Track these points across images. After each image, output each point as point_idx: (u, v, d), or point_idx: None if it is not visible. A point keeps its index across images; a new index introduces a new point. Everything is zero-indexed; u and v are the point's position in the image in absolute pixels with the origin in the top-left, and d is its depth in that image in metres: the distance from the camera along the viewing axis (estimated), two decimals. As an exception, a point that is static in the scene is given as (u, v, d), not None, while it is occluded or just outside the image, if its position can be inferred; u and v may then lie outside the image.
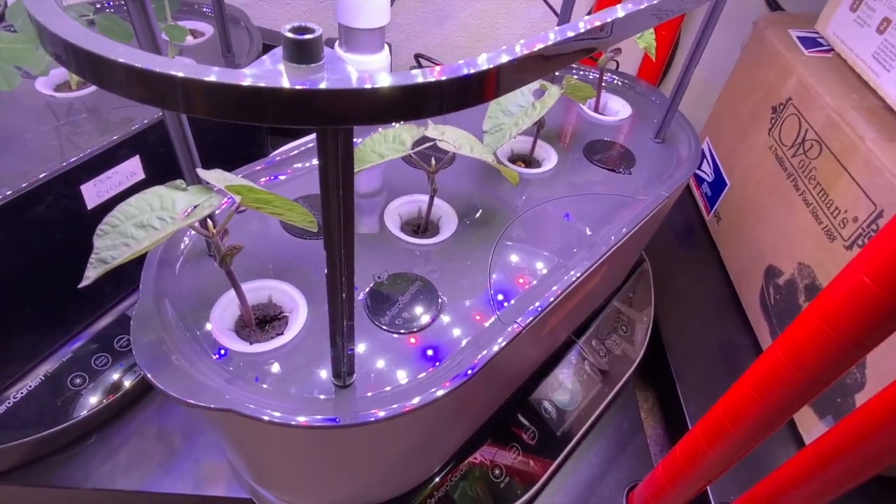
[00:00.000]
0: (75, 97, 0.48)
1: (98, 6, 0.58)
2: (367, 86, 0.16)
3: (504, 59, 0.18)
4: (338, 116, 0.16)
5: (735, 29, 0.72)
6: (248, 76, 0.15)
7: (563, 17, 0.55)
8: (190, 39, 0.58)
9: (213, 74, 0.15)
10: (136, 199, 0.27)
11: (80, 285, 0.25)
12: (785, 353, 0.28)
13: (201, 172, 0.28)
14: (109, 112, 0.47)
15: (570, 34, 0.21)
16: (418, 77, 0.16)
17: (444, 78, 0.17)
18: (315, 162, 0.45)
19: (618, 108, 0.57)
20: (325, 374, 0.31)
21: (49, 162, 0.41)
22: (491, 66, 0.18)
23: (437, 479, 0.43)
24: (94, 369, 0.47)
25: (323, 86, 0.16)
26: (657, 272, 0.64)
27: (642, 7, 0.25)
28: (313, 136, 0.48)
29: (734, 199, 0.69)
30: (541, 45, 0.20)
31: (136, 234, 0.26)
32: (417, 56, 0.54)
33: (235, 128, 0.57)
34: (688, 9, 0.33)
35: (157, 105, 0.17)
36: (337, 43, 0.45)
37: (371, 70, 0.45)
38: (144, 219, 0.26)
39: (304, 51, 0.16)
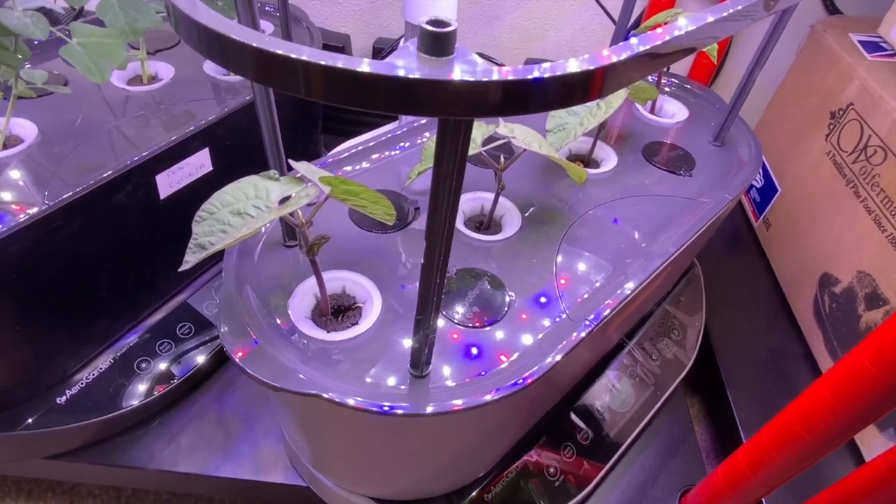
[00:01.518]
0: (147, 91, 0.50)
1: None
2: (498, 78, 0.16)
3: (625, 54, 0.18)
4: (466, 107, 0.17)
5: (790, 32, 0.70)
6: (386, 66, 0.16)
7: (622, 21, 0.55)
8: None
9: (356, 64, 0.16)
10: (231, 187, 0.28)
11: (181, 269, 0.26)
12: (870, 358, 0.28)
13: (294, 164, 0.29)
14: (179, 106, 0.48)
15: (678, 33, 0.21)
16: (553, 70, 0.17)
17: (574, 70, 0.17)
18: (365, 164, 0.46)
19: (674, 111, 0.56)
20: (399, 364, 0.31)
21: (126, 153, 0.43)
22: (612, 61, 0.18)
23: (492, 476, 0.43)
24: (158, 354, 0.49)
25: (453, 77, 0.16)
26: (706, 277, 0.64)
27: (737, 9, 0.25)
28: (365, 136, 0.49)
29: (786, 205, 0.68)
30: (652, 45, 0.20)
31: (233, 222, 0.27)
32: (478, 55, 0.54)
33: (293, 124, 0.58)
34: (757, 19, 0.33)
35: (300, 93, 0.17)
36: (403, 40, 0.46)
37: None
38: (240, 206, 0.27)
39: (439, 43, 0.16)
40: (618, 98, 0.42)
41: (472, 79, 0.16)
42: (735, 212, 0.78)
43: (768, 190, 0.72)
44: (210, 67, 0.54)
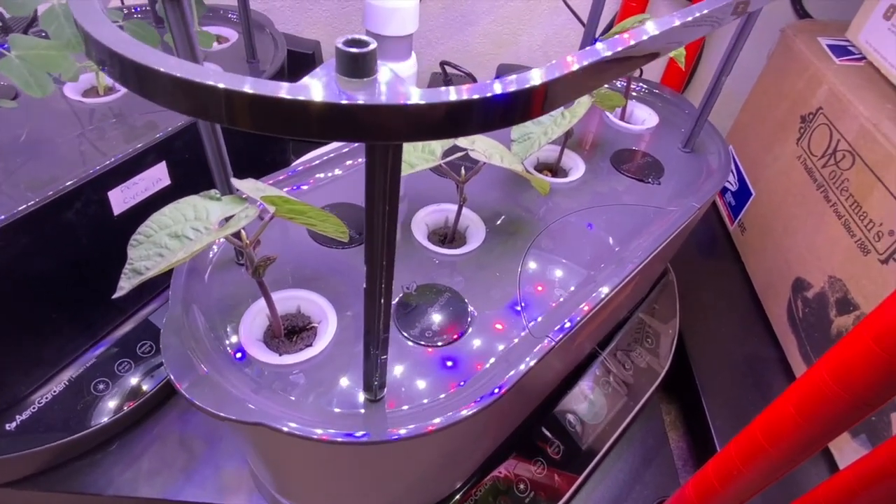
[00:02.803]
0: (103, 103, 0.49)
1: (126, 12, 0.58)
2: (420, 102, 0.15)
3: (557, 73, 0.18)
4: (389, 133, 0.16)
5: (761, 36, 0.70)
6: (299, 89, 0.15)
7: (590, 26, 0.54)
8: (215, 45, 0.58)
9: (263, 88, 0.15)
10: (169, 208, 0.27)
11: (114, 296, 0.25)
12: (831, 374, 0.27)
13: (236, 182, 0.27)
14: (136, 118, 0.47)
15: (620, 48, 0.20)
16: (476, 91, 0.16)
17: (491, 94, 0.16)
18: (338, 172, 0.45)
19: (644, 117, 0.56)
20: (354, 387, 0.30)
21: (77, 168, 0.41)
22: (546, 80, 0.17)
23: (461, 494, 0.42)
24: (117, 375, 0.47)
25: (375, 101, 0.15)
26: (680, 282, 0.63)
27: (692, 17, 0.25)
28: (335, 145, 0.48)
29: (760, 209, 0.68)
30: (590, 60, 0.19)
31: (170, 245, 0.25)
32: (443, 63, 0.54)
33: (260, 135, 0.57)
34: (723, 24, 0.32)
35: (201, 117, 0.16)
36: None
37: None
38: (178, 229, 0.26)
39: (357, 65, 0.16)
40: (582, 107, 0.41)
41: (393, 102, 0.15)
42: (711, 216, 0.78)
43: (743, 194, 0.72)
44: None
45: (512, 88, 0.17)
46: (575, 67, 0.18)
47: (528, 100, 0.18)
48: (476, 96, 0.16)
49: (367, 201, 0.19)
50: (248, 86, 0.15)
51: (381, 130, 0.16)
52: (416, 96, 0.15)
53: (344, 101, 0.15)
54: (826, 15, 0.74)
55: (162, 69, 0.15)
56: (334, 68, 0.16)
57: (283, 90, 0.15)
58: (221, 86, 0.15)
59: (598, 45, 0.20)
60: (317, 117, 0.15)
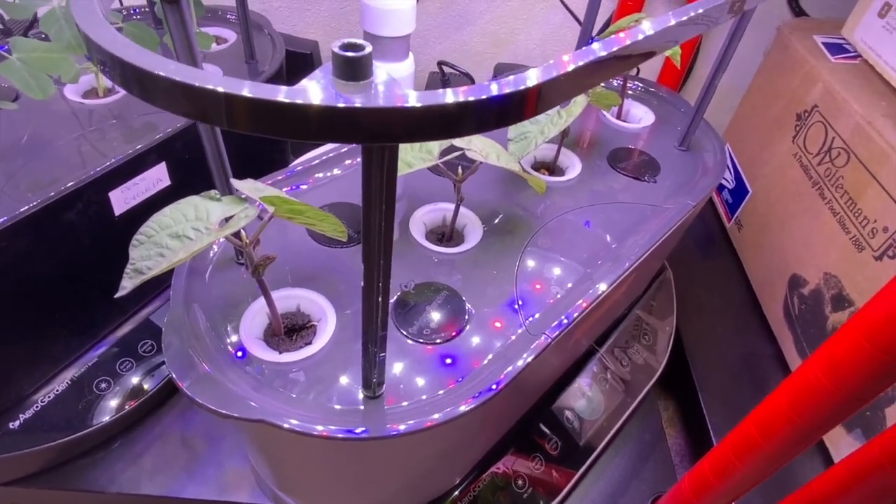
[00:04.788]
0: (103, 104, 0.49)
1: (125, 13, 0.59)
2: (418, 103, 0.16)
3: (553, 74, 0.18)
4: (385, 134, 0.16)
5: (758, 34, 0.71)
6: (297, 93, 0.15)
7: (587, 24, 0.55)
8: (214, 46, 0.58)
9: (261, 91, 0.15)
10: (170, 209, 0.27)
11: (116, 295, 0.25)
12: (823, 370, 0.28)
13: (235, 182, 0.28)
14: (135, 119, 0.47)
15: (616, 48, 0.21)
16: (470, 93, 0.16)
17: (486, 96, 0.16)
18: (336, 171, 0.45)
19: (640, 115, 0.56)
20: (353, 384, 0.31)
21: (79, 169, 0.41)
22: (539, 82, 0.17)
23: (460, 490, 0.43)
24: (119, 374, 0.48)
25: (372, 104, 0.15)
26: (677, 279, 0.64)
27: (686, 17, 0.25)
28: (333, 145, 0.48)
29: (756, 206, 0.68)
30: (585, 60, 0.19)
31: (171, 245, 0.26)
32: (441, 63, 0.54)
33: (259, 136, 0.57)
34: (719, 23, 0.33)
35: (201, 120, 0.17)
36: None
37: (396, 77, 0.45)
38: (179, 229, 0.26)
39: (353, 68, 0.16)
40: (577, 106, 0.42)
41: (389, 105, 0.16)
42: (708, 213, 0.78)
43: (739, 191, 0.72)
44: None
45: (507, 90, 0.17)
46: (570, 68, 0.19)
47: (523, 100, 0.18)
48: (471, 98, 0.16)
49: (364, 201, 0.19)
50: (247, 89, 0.15)
51: (377, 132, 0.16)
52: (412, 98, 0.16)
53: (341, 104, 0.15)
54: (822, 13, 0.74)
55: (163, 73, 0.16)
56: (331, 71, 0.16)
57: (282, 94, 0.15)
58: (221, 90, 0.15)
59: (595, 45, 0.21)
60: (314, 120, 0.16)
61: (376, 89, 0.16)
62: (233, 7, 0.56)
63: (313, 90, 0.15)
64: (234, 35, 0.61)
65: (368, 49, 0.16)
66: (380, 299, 0.23)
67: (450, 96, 0.16)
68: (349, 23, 0.79)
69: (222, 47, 0.59)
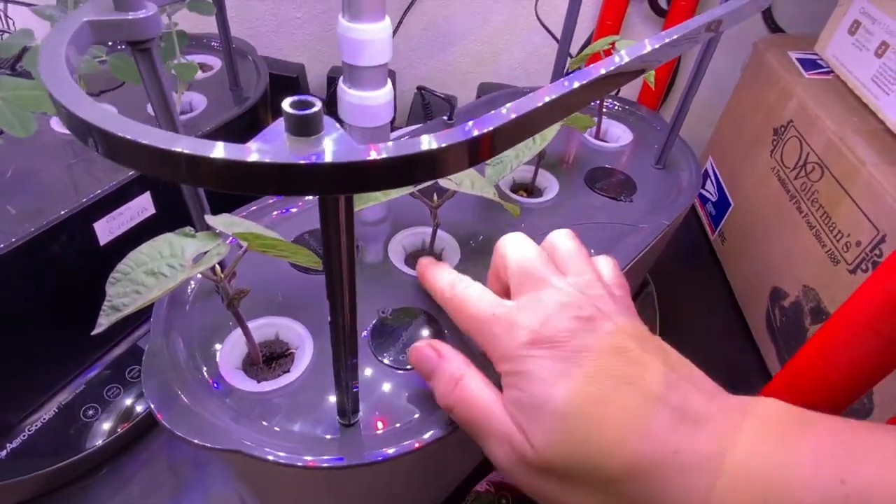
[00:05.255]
0: (88, 134, 0.50)
1: (109, 44, 0.60)
2: (367, 157, 0.17)
3: (502, 120, 0.19)
4: (338, 186, 0.17)
5: (735, 50, 0.72)
6: (252, 152, 0.16)
7: (563, 43, 0.56)
8: (199, 73, 0.59)
9: (218, 151, 0.16)
10: (146, 246, 0.28)
11: (94, 332, 0.26)
12: (785, 388, 0.29)
13: (209, 219, 0.29)
14: (121, 148, 0.48)
15: (584, 80, 0.22)
16: (415, 146, 0.17)
17: (439, 146, 0.17)
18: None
19: (619, 134, 0.57)
20: (330, 412, 0.31)
21: (63, 201, 0.42)
22: (490, 129, 0.18)
23: (444, 509, 0.43)
24: (106, 400, 0.48)
25: (323, 159, 0.16)
26: (661, 291, 0.64)
27: (660, 44, 0.26)
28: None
29: (738, 219, 0.69)
30: (540, 103, 0.20)
31: (146, 282, 0.27)
32: (420, 88, 0.55)
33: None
34: (685, 50, 0.34)
35: (169, 179, 0.18)
36: (341, 79, 0.46)
37: (374, 105, 0.46)
38: (155, 266, 0.27)
39: (304, 125, 0.17)
40: (551, 131, 0.43)
41: (339, 161, 0.16)
42: (693, 225, 0.79)
43: (722, 204, 0.73)
44: (155, 107, 0.54)
45: (455, 139, 0.18)
46: (514, 116, 0.20)
47: (476, 148, 0.19)
48: (418, 150, 0.17)
49: (325, 249, 0.20)
50: (211, 150, 0.16)
51: (328, 185, 0.17)
52: (362, 152, 0.17)
53: (291, 161, 0.16)
54: (797, 29, 0.75)
55: (119, 134, 0.16)
56: (283, 128, 0.17)
57: (241, 153, 0.16)
58: (186, 152, 0.16)
59: (526, 98, 0.21)
60: (270, 177, 0.16)
61: (328, 144, 0.17)
62: (217, 34, 0.57)
63: (266, 149, 0.16)
64: (220, 62, 0.62)
65: (317, 107, 0.17)
66: (346, 332, 0.24)
67: (398, 148, 0.17)
68: (334, 46, 0.80)
69: (207, 75, 0.60)
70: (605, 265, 0.32)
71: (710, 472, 0.22)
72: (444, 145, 0.18)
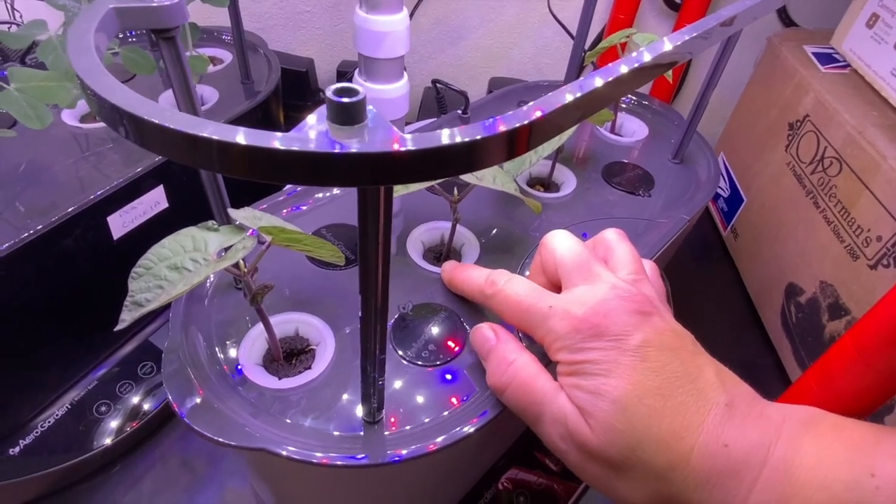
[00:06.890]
0: (100, 127, 0.49)
1: (122, 36, 0.59)
2: (410, 148, 0.16)
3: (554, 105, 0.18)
4: (381, 177, 0.16)
5: (748, 45, 0.71)
6: (291, 140, 0.15)
7: (579, 38, 0.55)
8: (210, 67, 0.59)
9: (256, 139, 0.15)
10: (168, 240, 0.27)
11: (116, 328, 0.26)
12: (817, 383, 0.28)
13: (232, 212, 0.28)
14: (132, 142, 0.47)
15: (619, 73, 0.21)
16: (455, 137, 0.16)
17: (478, 137, 0.17)
18: (336, 191, 0.45)
19: (634, 129, 0.57)
20: (352, 409, 0.31)
21: (77, 194, 0.42)
22: (527, 121, 0.18)
23: (462, 507, 0.43)
24: (119, 396, 0.48)
25: (367, 149, 0.16)
26: (673, 287, 0.64)
27: (681, 42, 0.25)
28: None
29: (751, 215, 0.69)
30: (582, 93, 0.20)
31: (170, 277, 0.26)
32: (435, 81, 0.54)
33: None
34: (714, 42, 0.33)
35: (196, 166, 0.17)
36: (357, 71, 0.46)
37: (390, 98, 0.45)
38: (178, 261, 0.26)
39: (347, 113, 0.16)
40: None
41: (384, 150, 0.16)
42: (704, 221, 0.78)
43: (735, 200, 0.73)
44: (165, 100, 0.53)
45: (501, 129, 0.17)
46: (569, 100, 0.19)
47: (514, 140, 0.18)
48: (467, 139, 0.17)
49: (361, 239, 0.19)
50: (241, 137, 0.15)
51: (372, 175, 0.16)
52: (407, 142, 0.16)
53: (336, 150, 0.15)
54: (812, 23, 0.75)
55: (156, 121, 0.16)
56: (326, 116, 0.16)
57: (277, 141, 0.15)
58: (215, 138, 0.15)
59: (596, 79, 0.21)
60: (310, 166, 0.16)
61: (371, 133, 0.16)
62: (228, 27, 0.56)
63: (309, 137, 0.16)
64: (230, 55, 0.61)
65: (362, 95, 0.16)
66: (378, 326, 0.24)
67: (445, 137, 0.17)
68: (344, 40, 0.79)
69: (218, 68, 0.60)
70: (649, 268, 0.33)
71: (755, 465, 0.24)
72: (482, 137, 0.17)
